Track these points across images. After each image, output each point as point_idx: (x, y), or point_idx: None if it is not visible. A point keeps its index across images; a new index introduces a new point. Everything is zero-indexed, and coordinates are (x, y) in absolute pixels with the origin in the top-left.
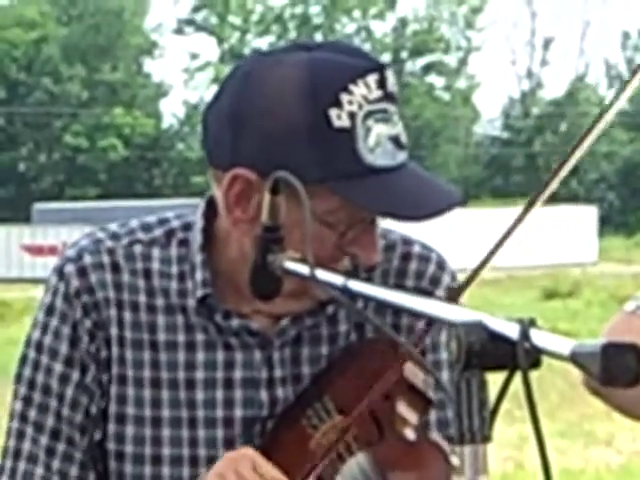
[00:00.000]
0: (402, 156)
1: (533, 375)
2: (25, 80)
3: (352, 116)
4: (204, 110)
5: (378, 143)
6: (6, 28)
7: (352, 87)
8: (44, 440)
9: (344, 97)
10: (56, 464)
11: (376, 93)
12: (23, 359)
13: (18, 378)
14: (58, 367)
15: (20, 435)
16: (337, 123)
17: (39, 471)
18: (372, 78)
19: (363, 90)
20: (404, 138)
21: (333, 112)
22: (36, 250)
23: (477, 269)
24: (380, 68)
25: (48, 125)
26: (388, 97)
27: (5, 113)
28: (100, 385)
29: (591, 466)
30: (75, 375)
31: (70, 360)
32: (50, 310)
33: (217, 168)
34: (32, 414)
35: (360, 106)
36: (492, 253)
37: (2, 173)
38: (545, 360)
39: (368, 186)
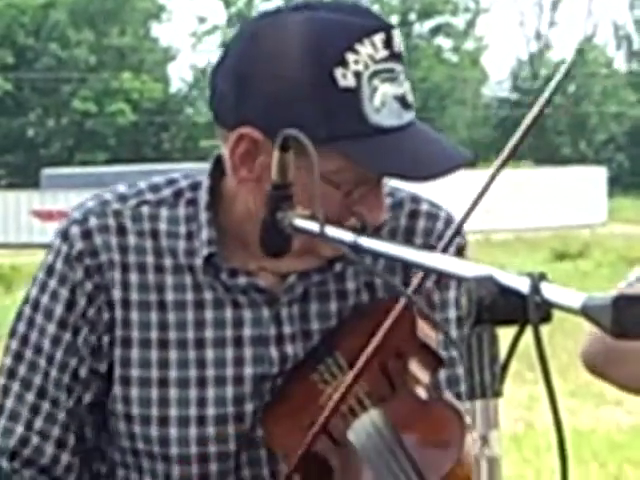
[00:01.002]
0: (409, 116)
1: (543, 335)
2: (33, 45)
3: (358, 75)
4: (211, 70)
5: (384, 103)
6: None
7: (358, 46)
8: (30, 397)
9: (350, 56)
10: (38, 423)
11: (382, 53)
12: (19, 315)
13: (12, 333)
14: (51, 328)
15: (5, 391)
16: (342, 82)
17: (19, 429)
18: (378, 38)
19: (369, 49)
20: (411, 98)
21: (338, 71)
22: (45, 215)
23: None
24: (387, 28)
25: (56, 90)
26: (394, 57)
27: (13, 79)
28: (93, 348)
29: (602, 426)
30: (67, 337)
31: (64, 322)
32: (50, 271)
33: (224, 127)
34: (21, 371)
35: (366, 66)
36: (467, 216)
37: (11, 139)
38: (555, 321)
39: (373, 146)
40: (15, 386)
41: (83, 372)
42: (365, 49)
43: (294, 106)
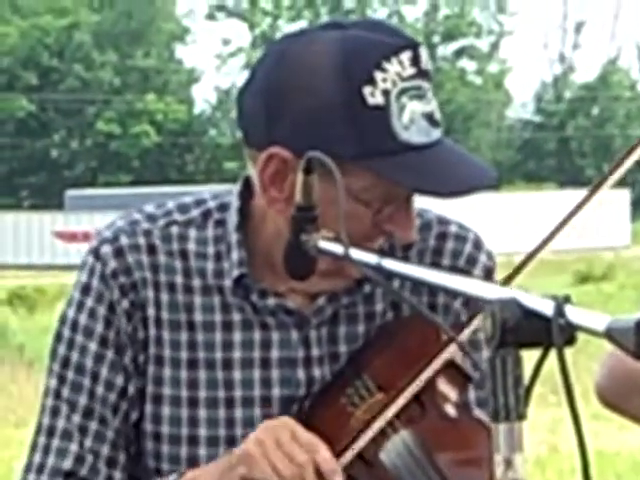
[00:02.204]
0: (436, 133)
1: (567, 358)
2: (57, 67)
3: (386, 93)
4: (239, 90)
5: (412, 120)
6: (38, 15)
7: (386, 64)
8: (77, 418)
9: (378, 75)
10: (88, 442)
11: (410, 70)
12: (58, 336)
13: (53, 355)
14: (93, 346)
15: (54, 412)
16: (371, 101)
17: (73, 448)
18: (406, 55)
19: (397, 67)
20: (438, 115)
21: (367, 90)
22: (69, 237)
23: (532, 254)
24: (414, 45)
25: (80, 112)
26: (422, 74)
27: (37, 100)
28: (137, 365)
29: (625, 449)
30: (110, 355)
31: (105, 340)
32: (86, 290)
33: (252, 147)
34: (65, 392)
35: (394, 83)
36: (549, 239)
37: (35, 160)
38: (579, 343)
39: (402, 163)
40: (63, 406)
41: (131, 390)
42: (393, 67)
43: (323, 125)
